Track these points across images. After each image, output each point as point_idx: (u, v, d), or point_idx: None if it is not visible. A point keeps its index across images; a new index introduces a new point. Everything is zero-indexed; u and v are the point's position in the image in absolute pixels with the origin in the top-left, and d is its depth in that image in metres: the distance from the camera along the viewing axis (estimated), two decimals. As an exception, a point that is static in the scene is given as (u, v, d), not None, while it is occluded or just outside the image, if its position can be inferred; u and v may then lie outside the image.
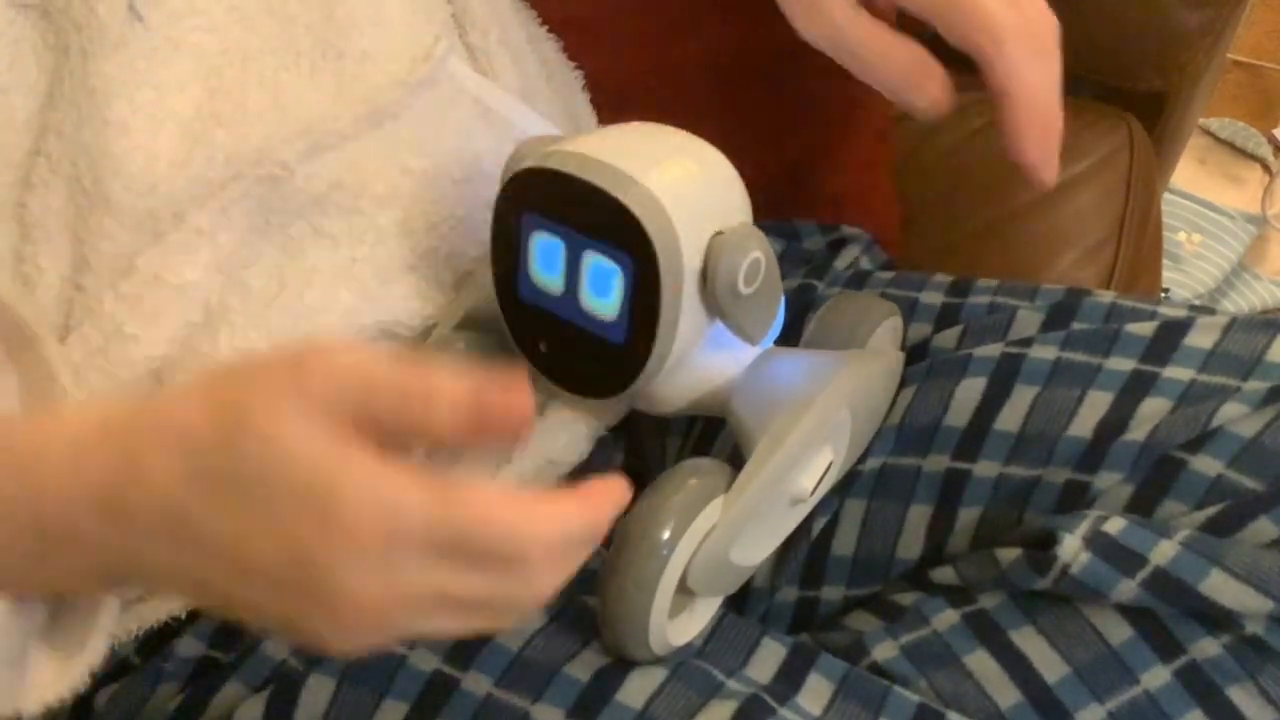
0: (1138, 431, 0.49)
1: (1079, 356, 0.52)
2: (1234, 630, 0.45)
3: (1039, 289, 0.59)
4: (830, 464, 0.50)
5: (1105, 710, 0.47)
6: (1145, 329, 0.53)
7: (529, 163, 0.46)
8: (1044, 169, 0.53)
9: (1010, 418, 0.52)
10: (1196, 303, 1.45)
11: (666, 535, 0.44)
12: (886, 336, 0.57)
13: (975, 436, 0.53)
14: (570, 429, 0.57)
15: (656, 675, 0.46)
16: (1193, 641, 0.46)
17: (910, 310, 0.60)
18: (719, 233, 0.46)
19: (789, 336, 0.61)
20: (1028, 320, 0.56)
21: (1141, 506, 0.48)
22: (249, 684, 0.49)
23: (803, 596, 0.57)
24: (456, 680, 0.46)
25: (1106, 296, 0.56)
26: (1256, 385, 0.49)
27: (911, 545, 0.54)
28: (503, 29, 0.61)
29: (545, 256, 0.47)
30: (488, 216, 0.56)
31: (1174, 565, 0.45)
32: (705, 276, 0.46)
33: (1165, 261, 1.32)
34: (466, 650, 0.47)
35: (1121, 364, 0.52)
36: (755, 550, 0.50)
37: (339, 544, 0.33)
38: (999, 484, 0.52)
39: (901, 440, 0.54)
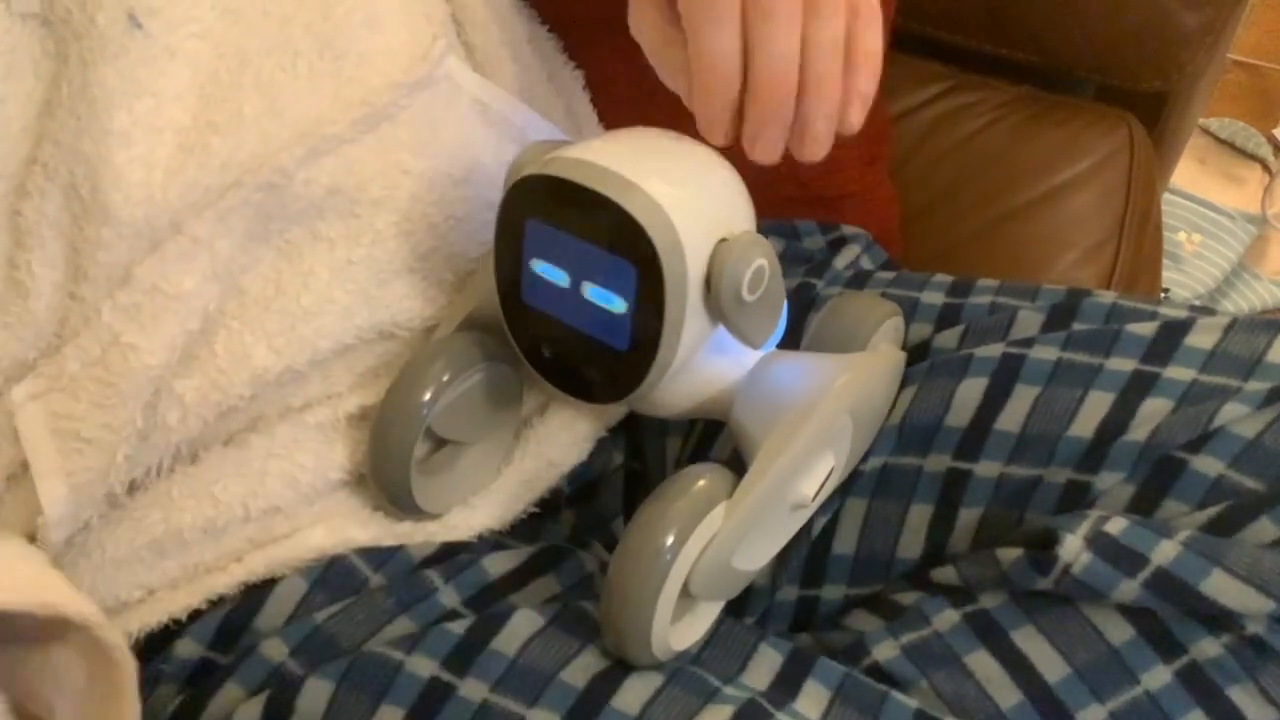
0: (1139, 432, 0.49)
1: (1080, 357, 0.52)
2: (1235, 630, 0.45)
3: (1040, 289, 0.59)
4: (832, 469, 0.50)
5: (1106, 710, 0.47)
6: (1146, 329, 0.53)
7: (532, 169, 0.46)
8: (709, 130, 0.46)
9: (1011, 418, 0.52)
10: (1196, 303, 1.45)
11: (670, 541, 0.44)
12: (888, 337, 0.57)
13: (976, 436, 0.53)
14: (571, 429, 0.57)
15: (653, 681, 0.46)
16: (1193, 642, 0.46)
17: (911, 310, 0.60)
18: (723, 239, 0.46)
19: (789, 336, 0.61)
20: (1029, 321, 0.56)
21: (1142, 506, 0.48)
22: (246, 686, 0.50)
23: (803, 596, 0.57)
24: (453, 686, 0.46)
25: (1107, 297, 0.56)
26: (1257, 386, 0.49)
27: (912, 545, 0.54)
28: (503, 28, 0.61)
29: (549, 262, 0.47)
30: (488, 217, 0.56)
31: (1175, 565, 0.45)
32: (709, 283, 0.46)
33: (1165, 261, 1.32)
34: (464, 656, 0.47)
35: (1122, 364, 0.52)
36: (757, 555, 0.50)
37: None
38: (1000, 484, 0.52)
39: (903, 440, 0.54)
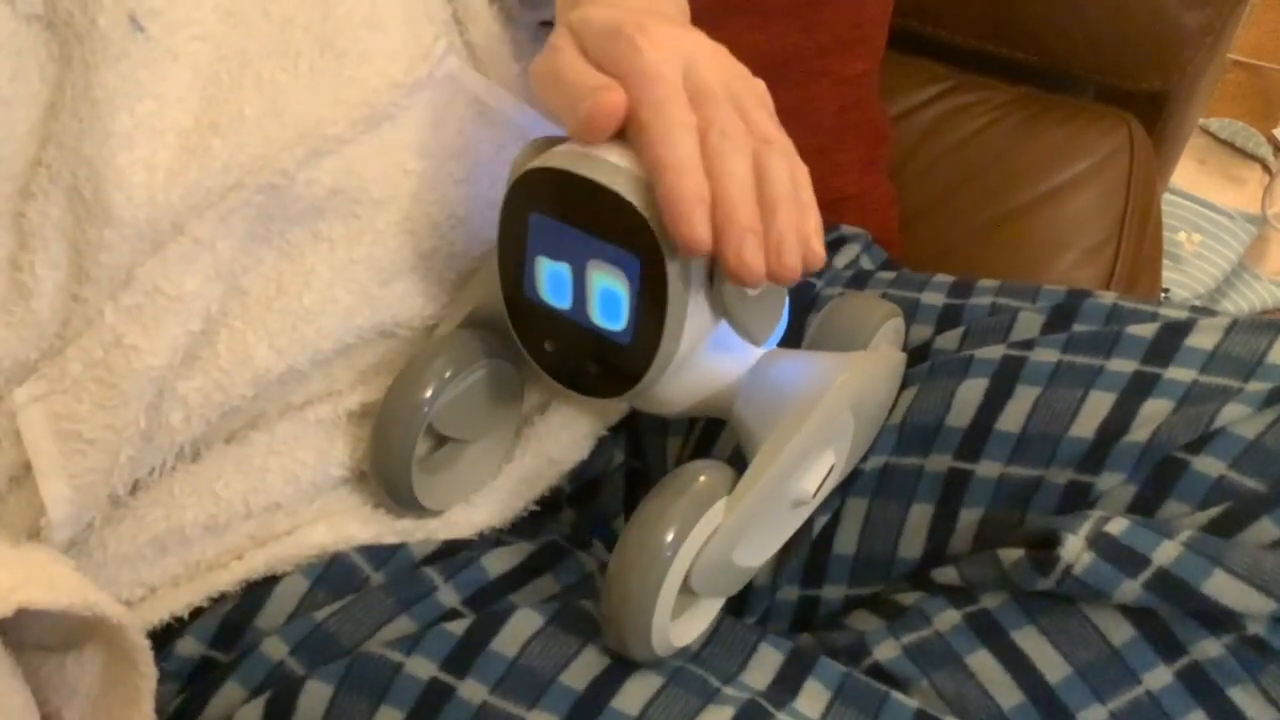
0: (1140, 432, 0.49)
1: (1081, 358, 0.53)
2: (1236, 631, 0.45)
3: (1040, 290, 0.59)
4: (832, 467, 0.50)
5: (1107, 710, 0.47)
6: (1147, 330, 0.53)
7: (536, 163, 0.46)
8: (691, 230, 0.43)
9: (1012, 418, 0.52)
10: (1197, 303, 1.45)
11: (670, 537, 0.44)
12: (888, 338, 0.57)
13: (977, 437, 0.53)
14: (572, 427, 0.57)
15: (653, 682, 0.46)
16: (1194, 642, 0.46)
17: (912, 311, 0.60)
18: None
19: (790, 335, 0.61)
20: (1029, 322, 0.56)
21: (1144, 507, 0.48)
22: (246, 685, 0.50)
23: (804, 595, 0.57)
24: (452, 688, 0.46)
25: (1108, 298, 0.57)
26: (1258, 386, 0.49)
27: (913, 545, 0.54)
28: (504, 27, 0.61)
29: (552, 257, 0.47)
30: (490, 215, 0.56)
31: (1177, 566, 0.45)
32: (712, 278, 0.46)
33: (1165, 261, 1.32)
34: (463, 657, 0.47)
35: (1123, 365, 0.52)
36: (758, 552, 0.50)
37: None
38: (1001, 484, 0.52)
39: (903, 440, 0.54)
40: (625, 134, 0.46)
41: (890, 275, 0.64)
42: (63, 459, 0.48)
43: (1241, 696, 0.45)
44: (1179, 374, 0.51)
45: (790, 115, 0.80)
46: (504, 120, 0.58)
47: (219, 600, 0.52)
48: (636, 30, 0.46)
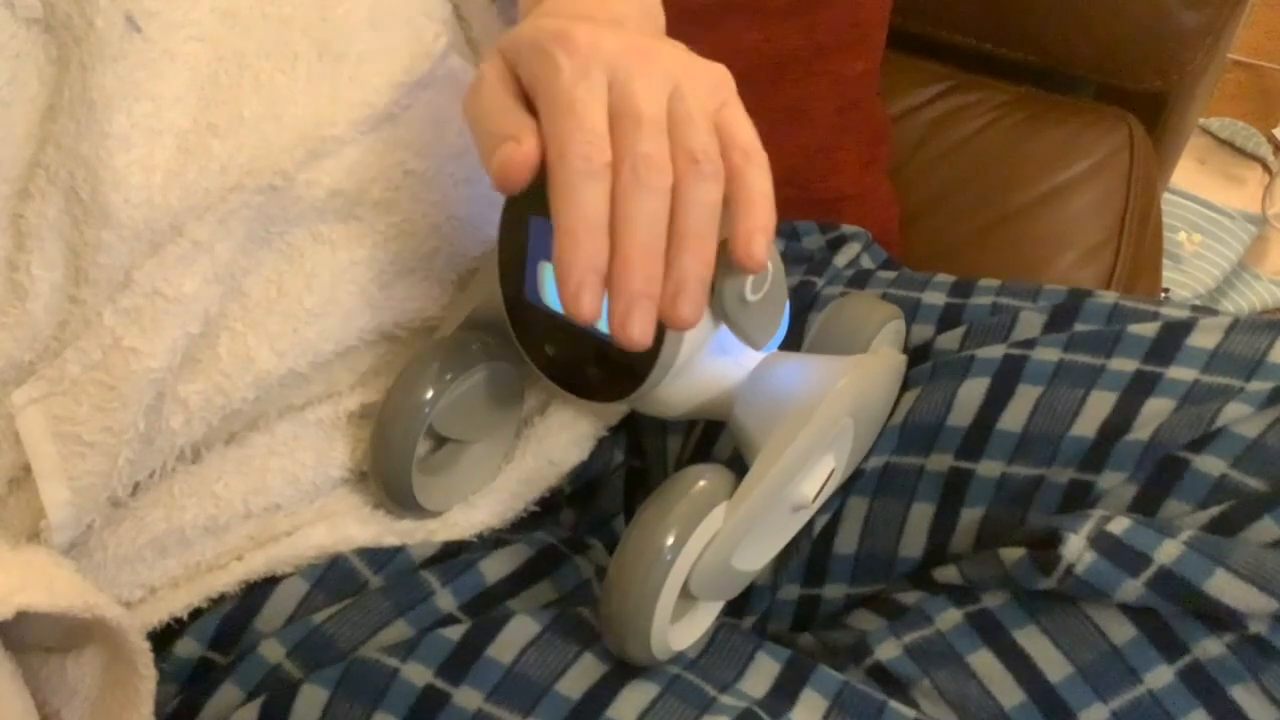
0: (1141, 431, 0.49)
1: (1082, 357, 0.52)
2: (1237, 630, 0.45)
3: (1041, 289, 0.59)
4: (832, 471, 0.50)
5: (1109, 710, 0.47)
6: (1148, 330, 0.53)
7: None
8: (575, 297, 0.42)
9: (1013, 418, 0.52)
10: (1197, 303, 1.45)
11: (670, 541, 0.44)
12: (888, 339, 0.57)
13: (978, 436, 0.53)
14: (572, 428, 0.57)
15: (649, 690, 0.46)
16: (1196, 641, 0.46)
17: (913, 311, 0.60)
18: (727, 239, 0.46)
19: (791, 336, 0.61)
20: (1030, 321, 0.56)
21: (1145, 506, 0.48)
22: (244, 687, 0.50)
23: (805, 595, 0.57)
24: (448, 695, 0.46)
25: (1109, 297, 0.56)
26: (1259, 386, 0.49)
27: (914, 544, 0.54)
28: (507, 24, 0.60)
29: (552, 260, 0.47)
30: (490, 217, 0.56)
31: (1178, 565, 0.45)
32: (712, 284, 0.46)
33: (1165, 261, 1.32)
34: (458, 663, 0.47)
35: (1124, 364, 0.52)
36: (757, 556, 0.50)
37: None
38: (1002, 484, 0.52)
39: (904, 440, 0.54)
40: None
41: (891, 275, 0.64)
42: (62, 461, 0.48)
43: (1243, 695, 0.45)
44: (1180, 373, 0.51)
45: (790, 115, 0.80)
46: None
47: (218, 601, 0.52)
48: (558, 42, 0.43)
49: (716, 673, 0.48)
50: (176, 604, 0.51)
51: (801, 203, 0.86)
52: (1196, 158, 1.62)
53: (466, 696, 0.46)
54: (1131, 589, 0.46)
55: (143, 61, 0.49)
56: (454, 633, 0.48)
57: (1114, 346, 0.52)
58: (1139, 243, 0.96)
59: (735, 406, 0.51)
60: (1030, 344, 0.54)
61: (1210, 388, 0.50)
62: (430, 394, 0.51)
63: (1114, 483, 0.49)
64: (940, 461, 0.53)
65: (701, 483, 0.46)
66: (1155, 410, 0.50)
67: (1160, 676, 0.46)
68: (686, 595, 0.46)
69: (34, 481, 0.48)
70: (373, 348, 0.54)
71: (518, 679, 0.46)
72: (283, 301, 0.52)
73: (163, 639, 0.51)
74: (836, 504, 0.55)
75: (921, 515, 0.54)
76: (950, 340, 0.57)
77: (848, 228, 0.75)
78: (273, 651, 0.50)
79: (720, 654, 0.50)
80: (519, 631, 0.48)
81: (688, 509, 0.45)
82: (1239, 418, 0.48)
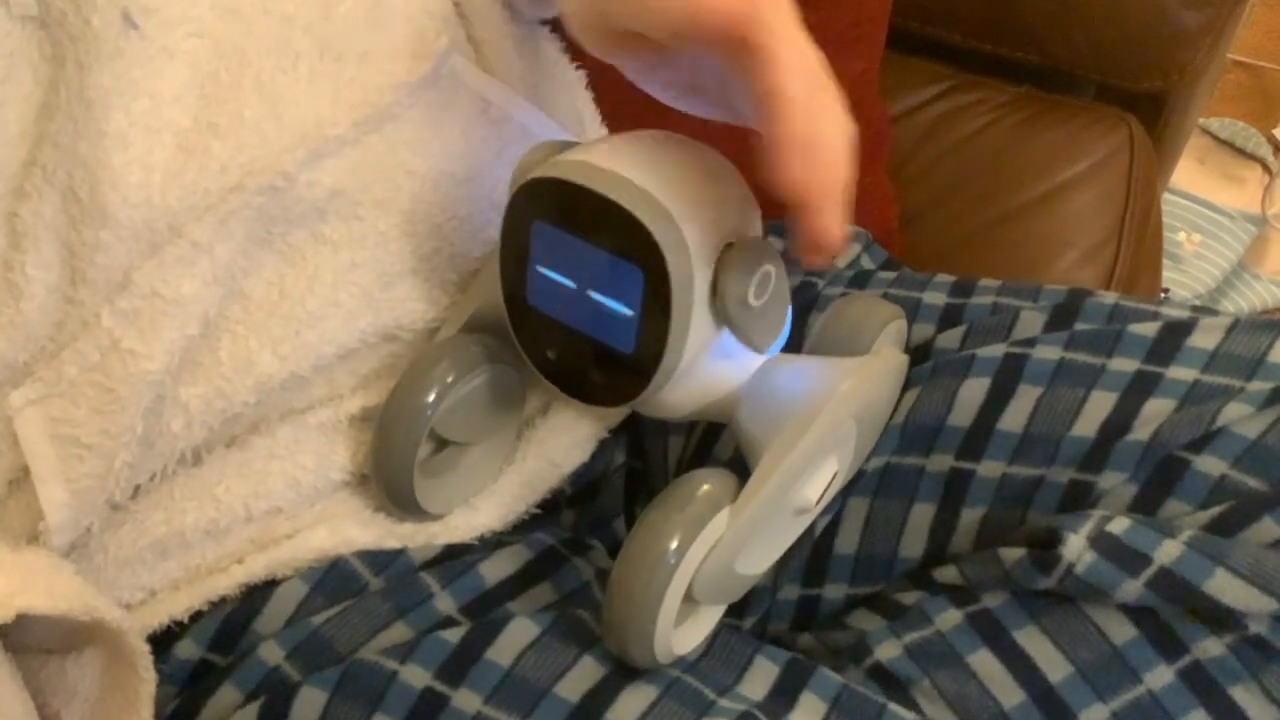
0: (1141, 431, 0.49)
1: (1082, 357, 0.52)
2: (1237, 630, 0.45)
3: (1041, 289, 0.59)
4: (835, 474, 0.50)
5: (1109, 710, 0.46)
6: (1148, 330, 0.53)
7: (539, 171, 0.46)
8: (828, 228, 0.42)
9: (1014, 418, 0.52)
10: (1197, 303, 1.45)
11: (674, 545, 0.44)
12: (890, 340, 0.57)
13: (979, 436, 0.53)
14: (573, 430, 0.57)
15: (648, 694, 0.46)
16: (1196, 641, 0.46)
17: (913, 311, 0.60)
18: (730, 244, 0.46)
19: (792, 336, 0.61)
20: (1031, 321, 0.56)
21: (1145, 506, 0.48)
22: (242, 689, 0.49)
23: (805, 595, 0.57)
24: (447, 698, 0.46)
25: (1109, 297, 0.56)
26: (1260, 386, 0.49)
27: (914, 544, 0.54)
28: (507, 23, 0.60)
29: (555, 265, 0.47)
30: (492, 216, 0.56)
31: (1178, 565, 0.45)
32: (715, 287, 0.46)
33: (1165, 261, 1.32)
34: (458, 665, 0.47)
35: (1125, 364, 0.52)
36: (759, 559, 0.50)
37: None
38: (1002, 484, 0.52)
39: (905, 440, 0.54)
40: (628, 133, 0.45)
41: (891, 275, 0.64)
42: (60, 463, 0.48)
43: (1243, 696, 0.45)
44: (1181, 373, 0.51)
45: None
46: (507, 119, 0.58)
47: (218, 604, 0.52)
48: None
49: (715, 676, 0.48)
50: (176, 606, 0.51)
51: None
52: (1196, 158, 1.62)
53: (465, 699, 0.46)
54: (1131, 589, 0.46)
55: (141, 59, 0.49)
56: (453, 635, 0.48)
57: (1114, 346, 0.52)
58: (1139, 243, 0.96)
59: (738, 409, 0.50)
60: (1031, 344, 0.54)
61: (1210, 388, 0.50)
62: (432, 397, 0.51)
63: (1114, 483, 0.49)
64: (941, 461, 0.53)
65: (705, 488, 0.46)
66: (1156, 410, 0.50)
67: (1160, 677, 0.46)
68: (689, 599, 0.46)
69: (33, 483, 0.48)
70: (374, 350, 0.54)
71: (517, 681, 0.46)
72: (284, 304, 0.51)
73: (162, 641, 0.51)
74: (837, 504, 0.55)
75: (922, 515, 0.54)
76: (950, 340, 0.57)
77: (848, 228, 0.75)
78: (272, 653, 0.50)
79: (719, 657, 0.50)
80: (518, 634, 0.48)
81: (691, 514, 0.45)
82: (1239, 418, 0.48)
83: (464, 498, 0.55)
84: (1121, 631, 0.47)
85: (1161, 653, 0.46)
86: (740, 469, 0.48)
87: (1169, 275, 1.46)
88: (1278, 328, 0.51)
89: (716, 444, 0.60)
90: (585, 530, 0.62)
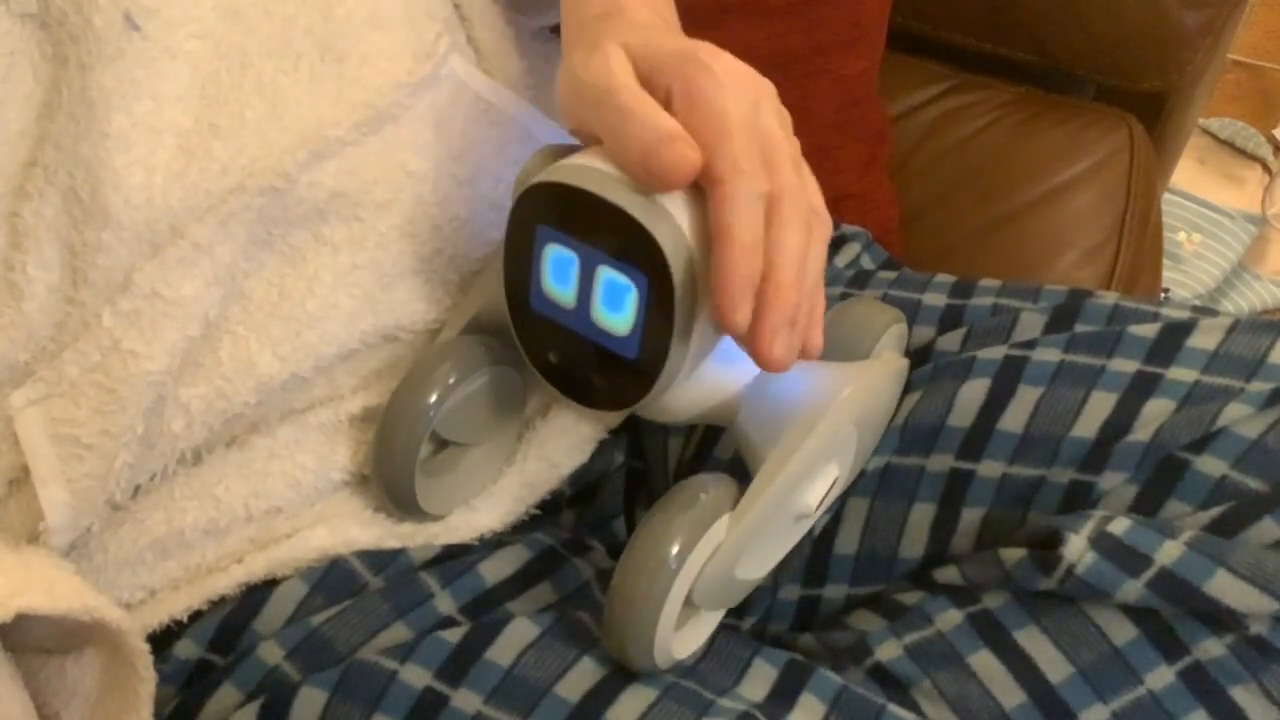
0: (1142, 432, 0.49)
1: (1082, 358, 0.52)
2: (1238, 631, 0.45)
3: (1041, 290, 0.59)
4: (835, 479, 0.50)
5: (1109, 710, 0.47)
6: (1148, 330, 0.53)
7: (543, 176, 0.46)
8: (732, 307, 0.42)
9: (1014, 418, 0.52)
10: (1197, 303, 1.45)
11: (675, 551, 0.44)
12: (891, 343, 0.57)
13: (979, 437, 0.53)
14: (573, 432, 0.57)
15: (647, 695, 0.46)
16: (1196, 642, 0.46)
17: (913, 312, 0.60)
18: None
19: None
20: (1031, 322, 0.56)
21: (1146, 507, 0.48)
22: (242, 688, 0.50)
23: (805, 595, 0.57)
24: (446, 698, 0.46)
25: (1109, 298, 0.56)
26: (1260, 386, 0.49)
27: (915, 545, 0.54)
28: (507, 23, 0.60)
29: (558, 270, 0.47)
30: (492, 218, 0.56)
31: (1179, 565, 0.45)
32: None
33: (1165, 261, 1.32)
34: (457, 666, 0.47)
35: (1125, 365, 0.52)
36: (759, 564, 0.50)
37: None
38: (1003, 484, 0.52)
39: (905, 440, 0.54)
40: None
41: (891, 275, 0.64)
42: (60, 464, 0.48)
43: (1243, 696, 0.45)
44: (1181, 374, 0.51)
45: (790, 114, 0.79)
46: (508, 119, 0.58)
47: (218, 603, 0.52)
48: (713, 60, 0.44)
49: (714, 677, 0.48)
50: (176, 606, 0.51)
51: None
52: (1196, 158, 1.62)
53: (465, 699, 0.46)
54: (1132, 589, 0.46)
55: (142, 60, 0.49)
56: (453, 635, 0.48)
57: (1114, 347, 0.52)
58: (1139, 243, 0.96)
59: (739, 414, 0.50)
60: (1031, 345, 0.54)
61: (1211, 388, 0.50)
62: (434, 398, 0.51)
63: (1115, 483, 0.49)
64: (941, 462, 0.53)
65: (706, 494, 0.46)
66: (1156, 411, 0.50)
67: (1161, 677, 0.46)
68: (689, 604, 0.46)
69: (33, 483, 0.48)
70: (375, 350, 0.54)
71: (516, 681, 0.46)
72: (284, 304, 0.51)
73: (162, 640, 0.51)
74: (837, 505, 0.55)
75: (922, 516, 0.54)
76: (951, 341, 0.57)
77: (848, 228, 0.75)
78: (271, 653, 0.50)
79: (718, 659, 0.50)
80: (518, 634, 0.48)
81: (692, 520, 0.45)
82: (1239, 418, 0.48)
83: (464, 499, 0.55)
84: (1122, 632, 0.47)
85: (1162, 653, 0.46)
86: (740, 470, 0.48)
87: (1169, 275, 1.46)
88: (1278, 328, 0.51)
89: (716, 445, 0.60)
90: (585, 531, 0.62)
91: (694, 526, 0.45)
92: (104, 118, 0.48)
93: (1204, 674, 0.46)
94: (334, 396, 0.54)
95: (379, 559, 0.53)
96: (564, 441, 0.57)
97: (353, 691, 0.47)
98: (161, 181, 0.49)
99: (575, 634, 0.48)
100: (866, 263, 0.72)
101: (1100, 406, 0.51)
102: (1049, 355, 0.53)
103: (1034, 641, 0.48)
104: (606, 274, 0.45)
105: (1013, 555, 0.49)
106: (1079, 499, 0.50)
